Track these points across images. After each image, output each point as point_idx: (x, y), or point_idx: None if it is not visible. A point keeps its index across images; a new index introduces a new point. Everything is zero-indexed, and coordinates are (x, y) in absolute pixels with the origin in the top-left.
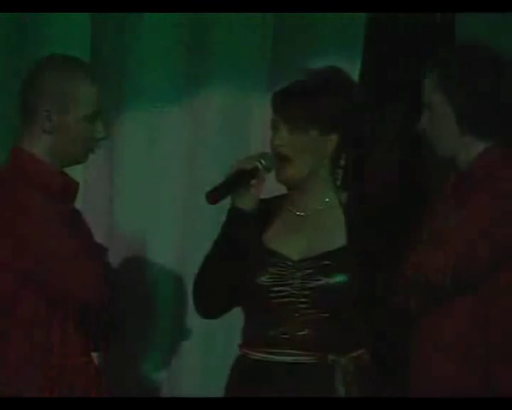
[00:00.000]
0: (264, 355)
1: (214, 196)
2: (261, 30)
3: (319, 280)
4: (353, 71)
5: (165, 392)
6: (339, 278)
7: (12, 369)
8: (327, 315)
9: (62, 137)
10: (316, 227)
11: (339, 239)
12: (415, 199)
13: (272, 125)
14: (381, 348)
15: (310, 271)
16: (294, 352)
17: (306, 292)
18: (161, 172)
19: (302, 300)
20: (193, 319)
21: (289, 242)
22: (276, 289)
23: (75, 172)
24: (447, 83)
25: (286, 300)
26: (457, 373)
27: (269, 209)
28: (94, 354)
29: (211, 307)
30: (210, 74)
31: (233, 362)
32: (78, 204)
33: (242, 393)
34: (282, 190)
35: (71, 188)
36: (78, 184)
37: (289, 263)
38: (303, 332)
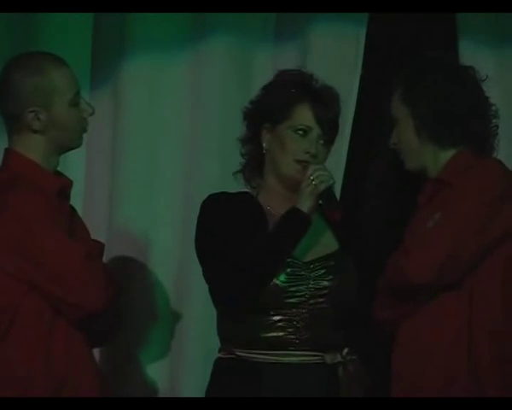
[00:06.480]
0: (266, 357)
1: (338, 213)
2: None
3: (331, 280)
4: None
5: (166, 392)
6: (343, 279)
7: (15, 375)
8: (338, 314)
9: (55, 131)
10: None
11: (333, 242)
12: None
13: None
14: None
15: (322, 271)
16: (301, 353)
17: (319, 292)
18: (161, 153)
19: (312, 301)
20: (193, 318)
21: None
22: (293, 289)
23: (75, 169)
24: (410, 95)
25: (297, 300)
26: (443, 373)
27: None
28: (95, 356)
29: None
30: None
31: (217, 365)
32: (79, 203)
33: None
34: None
35: (66, 187)
36: (72, 182)
37: (301, 264)
38: (309, 332)
